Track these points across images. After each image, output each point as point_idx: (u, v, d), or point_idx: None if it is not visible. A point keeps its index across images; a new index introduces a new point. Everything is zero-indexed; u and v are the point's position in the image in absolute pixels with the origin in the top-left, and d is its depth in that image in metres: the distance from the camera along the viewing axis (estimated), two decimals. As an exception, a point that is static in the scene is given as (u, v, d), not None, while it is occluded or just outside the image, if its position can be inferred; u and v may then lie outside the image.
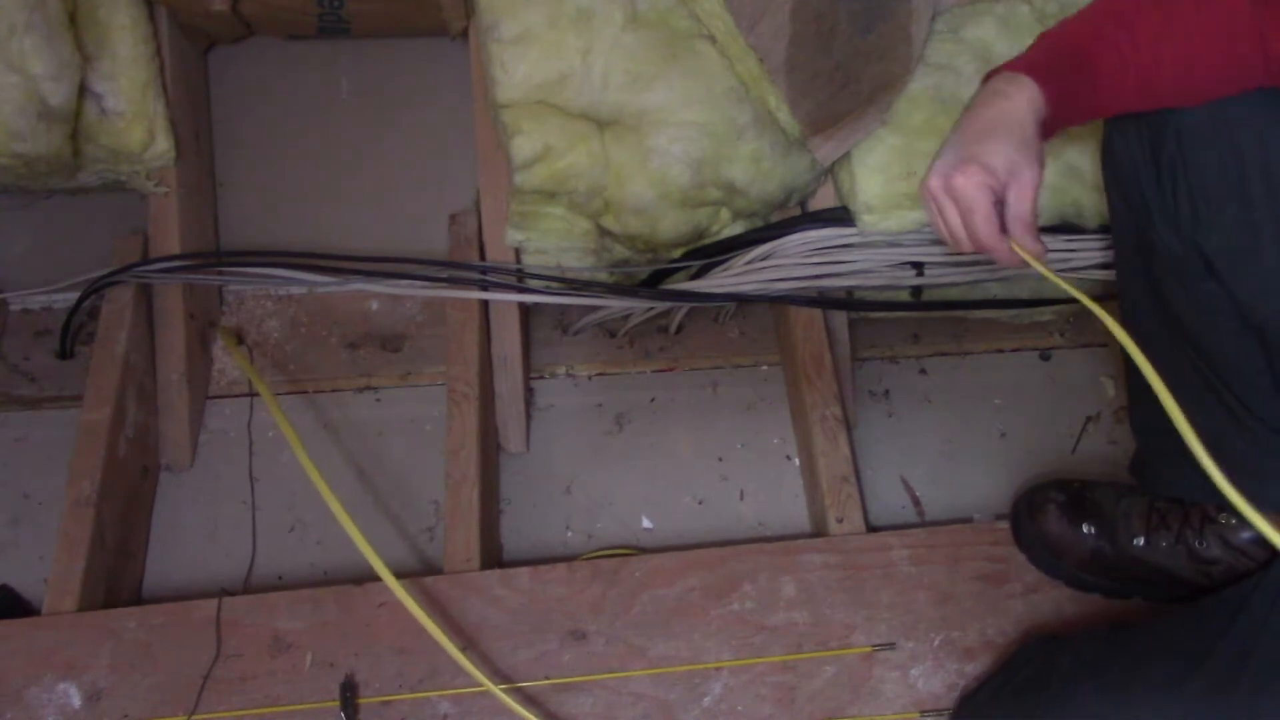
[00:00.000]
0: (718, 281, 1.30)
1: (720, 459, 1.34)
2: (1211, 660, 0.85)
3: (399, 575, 1.07)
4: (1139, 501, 1.09)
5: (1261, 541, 0.96)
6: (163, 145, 1.32)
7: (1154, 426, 1.04)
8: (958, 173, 0.83)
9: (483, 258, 1.33)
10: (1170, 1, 0.80)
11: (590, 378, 1.40)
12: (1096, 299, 0.84)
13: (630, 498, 1.31)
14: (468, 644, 1.07)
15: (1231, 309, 0.88)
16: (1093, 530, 1.09)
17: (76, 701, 1.04)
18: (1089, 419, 1.37)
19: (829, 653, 1.06)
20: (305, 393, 1.37)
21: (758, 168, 1.24)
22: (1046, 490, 1.13)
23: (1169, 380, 0.80)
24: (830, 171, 1.31)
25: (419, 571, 1.23)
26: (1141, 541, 1.07)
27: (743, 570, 1.10)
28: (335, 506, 1.06)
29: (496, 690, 0.99)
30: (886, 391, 1.39)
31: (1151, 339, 0.95)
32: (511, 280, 1.30)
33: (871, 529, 1.17)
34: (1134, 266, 0.97)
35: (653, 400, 1.38)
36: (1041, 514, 1.11)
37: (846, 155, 1.24)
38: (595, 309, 1.36)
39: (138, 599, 1.24)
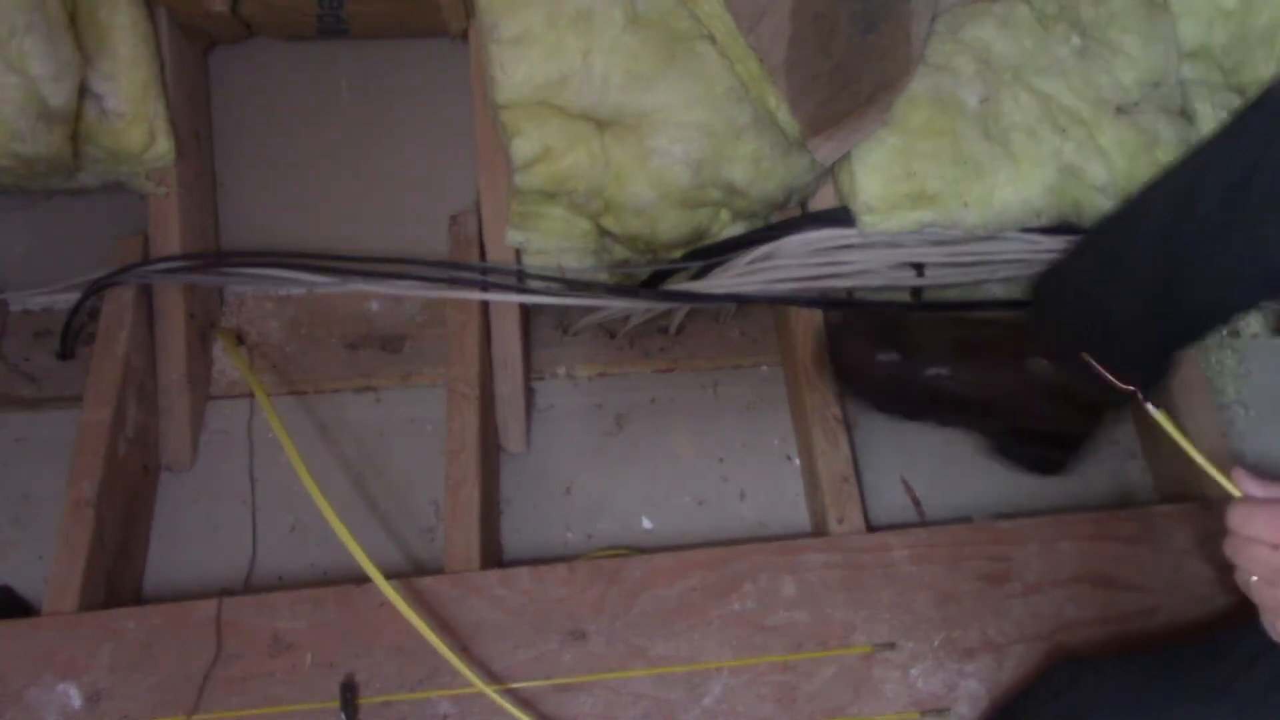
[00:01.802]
0: (718, 282, 1.30)
1: (721, 459, 1.34)
2: (1255, 669, 0.81)
3: (399, 576, 1.08)
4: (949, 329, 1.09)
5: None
6: (163, 145, 1.32)
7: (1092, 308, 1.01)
8: None
9: (483, 258, 1.33)
10: None
11: (590, 378, 1.40)
12: None
13: (630, 498, 1.31)
14: (468, 644, 1.07)
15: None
16: (895, 357, 1.10)
17: (76, 701, 1.04)
18: (1089, 419, 1.37)
19: (829, 652, 1.06)
20: (305, 393, 1.37)
21: (758, 168, 1.24)
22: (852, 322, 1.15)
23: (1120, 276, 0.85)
24: (831, 172, 1.31)
25: (419, 572, 1.23)
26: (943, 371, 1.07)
27: (743, 570, 1.10)
28: (325, 508, 1.06)
29: (489, 691, 0.99)
30: (886, 392, 1.39)
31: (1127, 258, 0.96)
32: (511, 281, 1.30)
33: (871, 529, 1.17)
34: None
35: (653, 401, 1.38)
36: (839, 340, 1.12)
37: (847, 156, 1.24)
38: (595, 309, 1.36)
39: (138, 599, 1.24)
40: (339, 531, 1.04)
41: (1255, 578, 0.72)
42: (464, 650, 1.06)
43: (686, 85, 1.21)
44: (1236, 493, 0.75)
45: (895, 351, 1.11)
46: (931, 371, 1.08)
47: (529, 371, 1.37)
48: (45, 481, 1.29)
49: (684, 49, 1.22)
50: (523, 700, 1.04)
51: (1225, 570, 0.78)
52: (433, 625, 1.01)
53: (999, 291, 1.35)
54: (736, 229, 1.32)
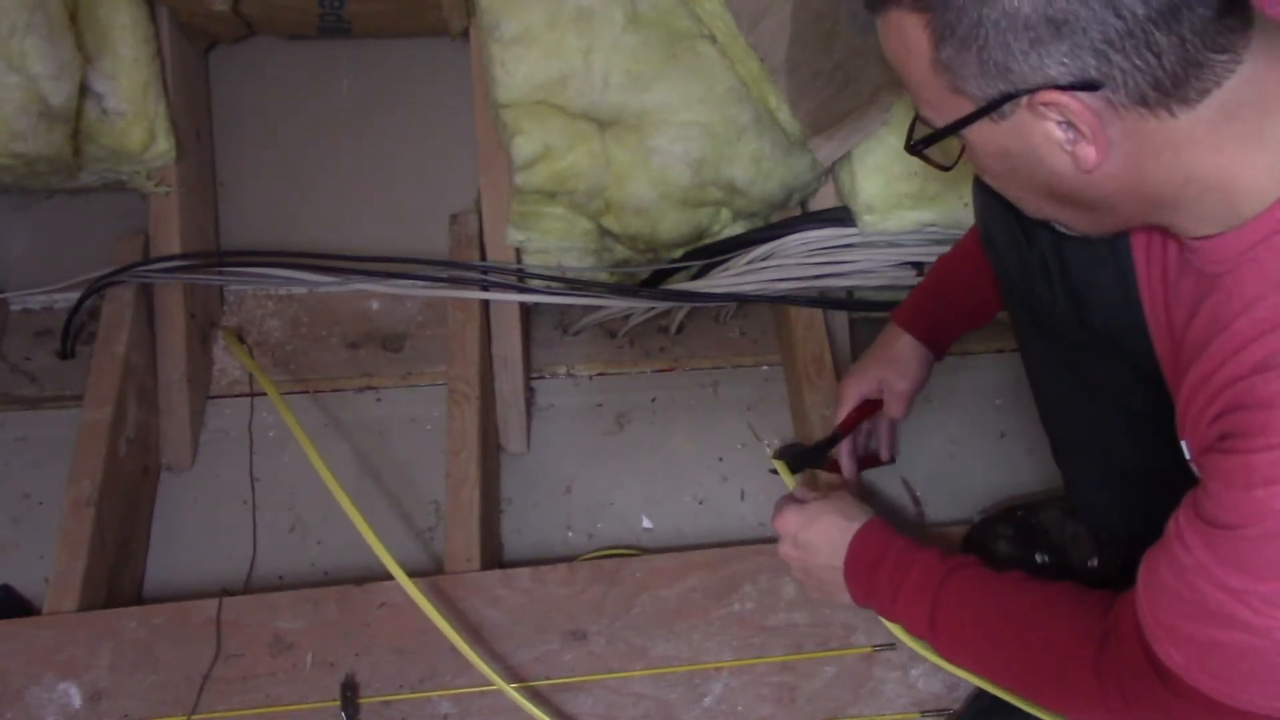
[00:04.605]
0: (718, 281, 1.30)
1: (721, 459, 1.33)
2: None
3: (400, 575, 1.07)
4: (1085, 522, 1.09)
5: None
6: (163, 145, 1.31)
7: (1077, 461, 1.05)
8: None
9: (483, 257, 1.33)
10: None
11: (591, 378, 1.40)
12: None
13: (630, 498, 1.31)
14: (469, 644, 1.07)
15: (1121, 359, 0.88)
16: (1047, 560, 1.10)
17: (77, 701, 1.04)
18: (1089, 419, 1.37)
19: (829, 653, 1.06)
20: (306, 392, 1.37)
21: (758, 167, 1.24)
22: (994, 525, 1.13)
23: (1068, 418, 0.93)
24: (831, 171, 1.31)
25: (420, 571, 1.22)
26: (1095, 562, 1.07)
27: (743, 571, 1.10)
28: (347, 505, 1.06)
29: (507, 688, 0.98)
30: (887, 391, 1.39)
31: (1050, 385, 0.99)
32: (512, 280, 1.30)
33: (872, 529, 1.17)
34: (1026, 321, 0.97)
35: (653, 400, 1.38)
36: (993, 551, 1.11)
37: (847, 155, 1.24)
38: (596, 309, 1.36)
39: (138, 599, 1.24)
40: (362, 529, 1.03)
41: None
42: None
43: (687, 85, 1.21)
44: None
45: (1045, 553, 1.11)
46: (1089, 565, 1.09)
47: (529, 371, 1.37)
48: (45, 481, 1.29)
49: (684, 48, 1.22)
50: (528, 698, 1.04)
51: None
52: (434, 625, 1.01)
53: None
54: (737, 228, 1.32)
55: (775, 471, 1.10)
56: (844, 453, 1.13)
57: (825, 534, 0.97)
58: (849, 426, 1.11)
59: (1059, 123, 0.61)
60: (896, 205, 1.23)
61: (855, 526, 0.95)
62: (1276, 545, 0.60)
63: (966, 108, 0.64)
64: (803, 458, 1.12)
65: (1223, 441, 0.63)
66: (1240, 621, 0.63)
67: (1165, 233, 0.71)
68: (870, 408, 1.11)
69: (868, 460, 1.17)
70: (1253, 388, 0.60)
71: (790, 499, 1.02)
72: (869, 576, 0.94)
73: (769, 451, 1.12)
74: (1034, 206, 0.72)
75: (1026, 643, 0.82)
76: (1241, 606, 0.62)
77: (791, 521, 0.98)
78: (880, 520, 0.96)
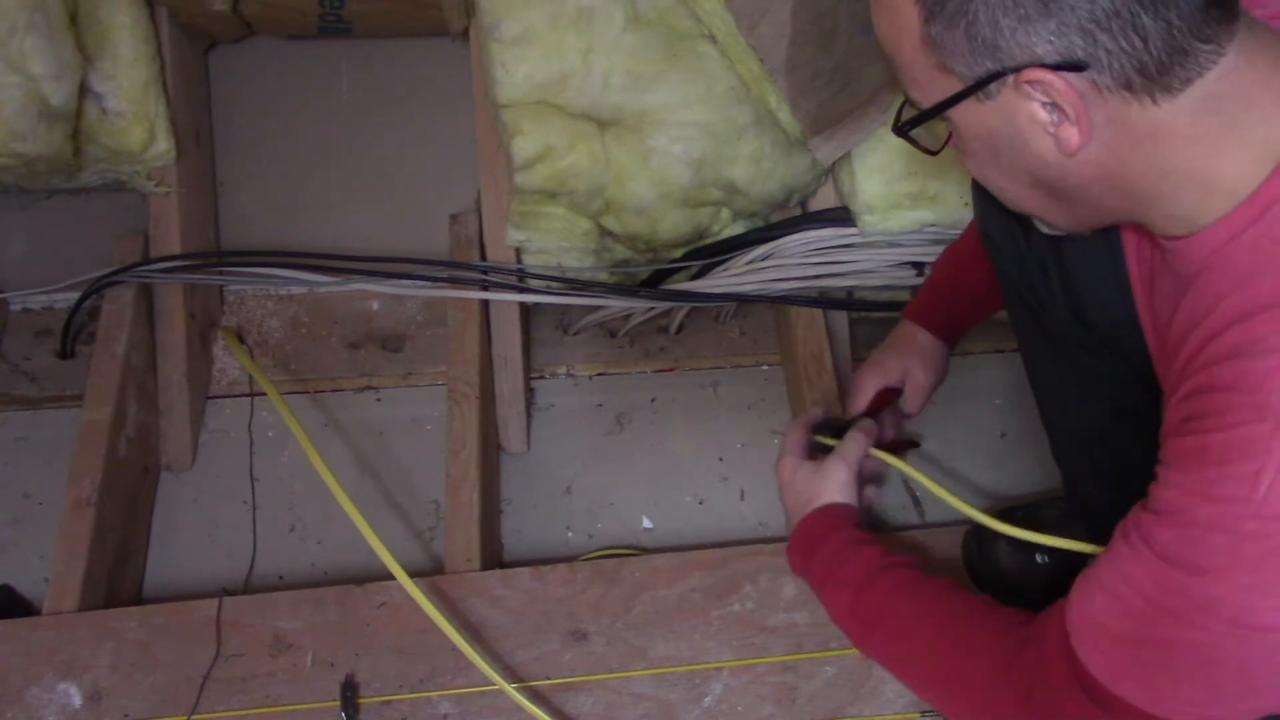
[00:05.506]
0: (718, 281, 1.30)
1: (721, 459, 1.34)
2: None
3: (400, 575, 1.07)
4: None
5: None
6: (163, 145, 1.32)
7: (1077, 461, 1.04)
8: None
9: (483, 258, 1.33)
10: None
11: (591, 378, 1.40)
12: None
13: (630, 498, 1.31)
14: (469, 644, 1.07)
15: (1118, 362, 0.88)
16: (1047, 560, 1.09)
17: (77, 701, 1.04)
18: (1089, 419, 1.36)
19: (829, 653, 1.06)
20: (306, 392, 1.37)
21: (758, 167, 1.24)
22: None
23: (1068, 418, 0.93)
24: (831, 171, 1.31)
25: (420, 571, 1.22)
26: None
27: (743, 571, 1.10)
28: (347, 505, 1.06)
29: (508, 688, 0.98)
30: (887, 391, 1.39)
31: (1050, 385, 0.98)
32: (512, 280, 1.30)
33: (872, 529, 1.16)
34: (1025, 320, 0.96)
35: (653, 400, 1.38)
36: (992, 552, 1.10)
37: (847, 155, 1.24)
38: (596, 309, 1.36)
39: (138, 599, 1.24)
40: (363, 529, 1.03)
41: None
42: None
43: (687, 85, 1.21)
44: (989, 521, 0.95)
45: (1045, 552, 1.09)
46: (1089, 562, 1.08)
47: (529, 371, 1.37)
48: (45, 481, 1.29)
49: (684, 48, 1.22)
50: (528, 698, 1.04)
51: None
52: (434, 625, 1.01)
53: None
54: (737, 228, 1.32)
55: (820, 446, 1.04)
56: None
57: (792, 504, 0.97)
58: (871, 412, 1.07)
59: (1044, 103, 0.62)
60: (896, 205, 1.23)
61: (810, 510, 0.95)
62: (1221, 537, 0.59)
63: (954, 86, 0.64)
64: (839, 428, 1.06)
65: (1184, 424, 0.62)
66: (1176, 614, 0.61)
67: (1148, 232, 0.72)
68: (887, 396, 1.08)
69: (898, 445, 1.13)
70: (1216, 374, 0.60)
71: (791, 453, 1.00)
72: (804, 564, 0.93)
73: (815, 437, 1.05)
74: (1016, 196, 0.72)
75: (936, 643, 0.81)
76: (1177, 598, 0.61)
77: (782, 472, 0.99)
78: (838, 507, 0.95)
